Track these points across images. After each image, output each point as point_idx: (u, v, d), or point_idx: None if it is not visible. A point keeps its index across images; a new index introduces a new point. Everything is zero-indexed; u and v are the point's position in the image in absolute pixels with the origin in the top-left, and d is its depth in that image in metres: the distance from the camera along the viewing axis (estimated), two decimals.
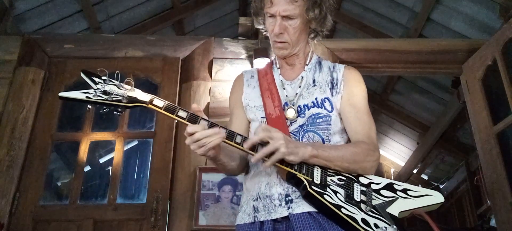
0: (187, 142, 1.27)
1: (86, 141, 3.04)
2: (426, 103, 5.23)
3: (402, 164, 6.74)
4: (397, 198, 1.35)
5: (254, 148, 1.30)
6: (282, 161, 1.30)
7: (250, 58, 3.27)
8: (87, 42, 3.37)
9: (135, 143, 4.59)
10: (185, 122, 1.31)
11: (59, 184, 4.65)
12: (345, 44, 3.39)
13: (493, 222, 4.29)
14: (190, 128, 1.27)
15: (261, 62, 3.08)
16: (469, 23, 3.74)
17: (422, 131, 5.70)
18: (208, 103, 3.11)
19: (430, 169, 6.53)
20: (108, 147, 4.91)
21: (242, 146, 1.30)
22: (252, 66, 3.19)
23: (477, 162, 4.95)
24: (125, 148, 3.14)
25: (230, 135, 1.31)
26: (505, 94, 2.83)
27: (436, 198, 1.37)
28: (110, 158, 4.91)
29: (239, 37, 3.51)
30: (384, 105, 5.68)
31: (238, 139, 1.31)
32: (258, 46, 3.26)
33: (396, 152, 6.79)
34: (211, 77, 3.22)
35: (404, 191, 1.37)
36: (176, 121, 1.35)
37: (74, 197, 2.88)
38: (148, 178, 2.94)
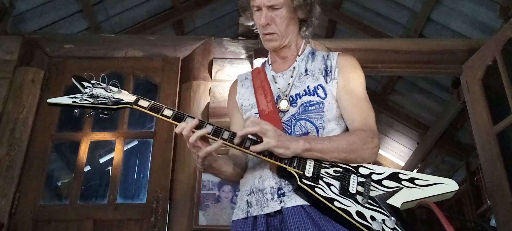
0: (188, 146, 1.29)
1: (86, 141, 3.04)
2: (426, 103, 5.23)
3: (402, 164, 6.74)
4: (401, 188, 1.28)
5: (242, 143, 1.29)
6: (272, 155, 1.28)
7: (250, 58, 3.27)
8: (87, 42, 3.37)
9: (135, 143, 4.59)
10: (170, 120, 1.31)
11: (59, 184, 4.65)
12: (345, 44, 3.39)
13: (493, 222, 4.29)
14: (178, 128, 1.28)
15: (260, 62, 3.07)
16: (469, 23, 3.73)
17: (422, 131, 5.70)
18: (208, 103, 3.11)
19: (430, 169, 6.52)
20: (108, 147, 4.91)
21: (230, 142, 1.29)
22: (252, 67, 3.19)
23: (477, 162, 4.94)
24: (125, 148, 3.14)
25: (217, 131, 1.30)
26: (505, 94, 2.83)
27: (448, 186, 1.27)
28: (110, 158, 4.91)
29: (239, 37, 3.51)
30: (384, 105, 5.68)
31: (225, 135, 1.30)
32: (258, 46, 3.26)
33: (396, 152, 6.79)
34: (211, 77, 3.22)
35: (411, 180, 1.29)
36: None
37: (74, 197, 2.88)
38: (148, 178, 2.94)
